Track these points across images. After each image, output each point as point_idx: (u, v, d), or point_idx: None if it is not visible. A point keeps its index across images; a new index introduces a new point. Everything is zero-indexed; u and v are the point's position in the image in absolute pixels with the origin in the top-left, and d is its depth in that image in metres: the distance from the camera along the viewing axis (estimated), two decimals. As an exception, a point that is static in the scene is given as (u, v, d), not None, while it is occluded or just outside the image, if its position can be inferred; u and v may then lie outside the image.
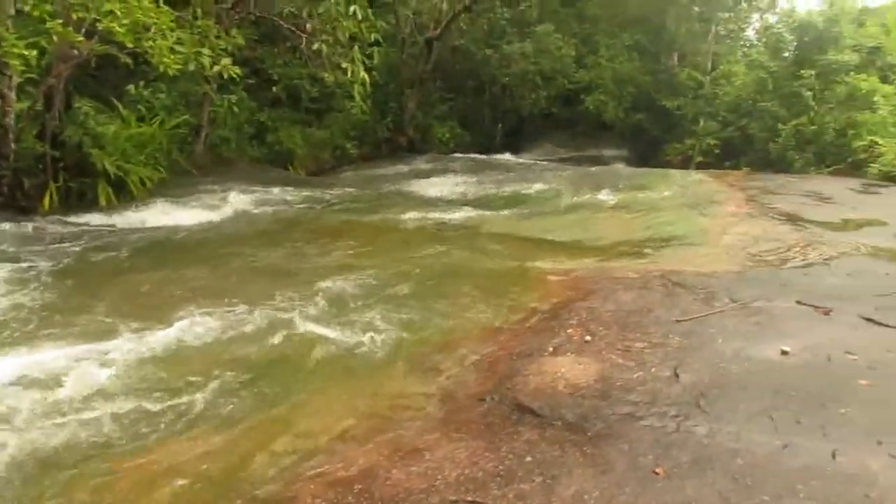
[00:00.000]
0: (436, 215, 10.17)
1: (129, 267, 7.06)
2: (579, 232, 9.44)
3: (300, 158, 15.56)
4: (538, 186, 13.87)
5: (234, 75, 9.01)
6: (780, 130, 18.44)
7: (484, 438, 3.69)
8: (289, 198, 11.09)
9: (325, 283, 6.29)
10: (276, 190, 11.42)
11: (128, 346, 4.87)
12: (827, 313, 5.42)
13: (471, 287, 6.38)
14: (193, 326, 5.21)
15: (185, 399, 4.20)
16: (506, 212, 10.98)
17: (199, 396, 4.23)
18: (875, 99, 16.71)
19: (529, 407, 3.99)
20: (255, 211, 10.08)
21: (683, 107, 24.07)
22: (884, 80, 17.86)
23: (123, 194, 9.88)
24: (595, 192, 12.56)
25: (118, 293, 6.10)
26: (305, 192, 11.61)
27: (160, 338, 5.00)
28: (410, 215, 10.11)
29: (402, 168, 16.82)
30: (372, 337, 5.12)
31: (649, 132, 25.22)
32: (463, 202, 11.96)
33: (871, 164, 15.17)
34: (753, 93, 20.71)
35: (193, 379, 4.44)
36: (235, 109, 13.72)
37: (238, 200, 10.39)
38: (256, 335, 5.15)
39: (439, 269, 6.97)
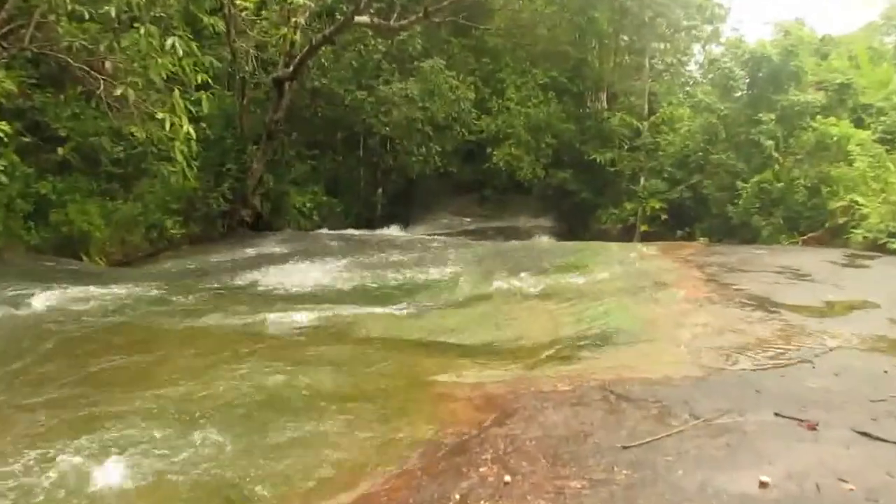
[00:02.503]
0: (290, 317, 10.06)
1: None
2: (491, 331, 9.56)
3: (99, 243, 15.12)
4: (435, 271, 14.10)
5: (1, 132, 8.75)
6: (741, 189, 19.49)
7: None
8: (77, 303, 10.64)
9: (106, 434, 5.90)
10: (57, 291, 10.92)
11: None
12: (813, 428, 5.63)
13: (336, 416, 6.25)
14: None
15: None
16: (390, 307, 11.01)
17: None
18: (850, 148, 17.83)
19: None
20: (25, 324, 9.53)
21: (618, 161, 25.44)
22: (857, 123, 19.19)
23: None
24: (510, 276, 12.89)
25: None
26: (104, 291, 11.21)
27: None
28: (253, 318, 9.96)
29: (246, 252, 16.69)
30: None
31: (577, 194, 26.34)
32: (330, 297, 11.93)
33: (854, 230, 16.11)
34: (703, 142, 21.99)
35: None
36: (2, 179, 13.22)
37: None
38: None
39: (288, 393, 6.80)
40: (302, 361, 7.82)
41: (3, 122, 8.73)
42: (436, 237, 22.42)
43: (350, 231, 22.01)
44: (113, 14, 10.74)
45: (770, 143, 19.27)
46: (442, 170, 25.96)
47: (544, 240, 23.62)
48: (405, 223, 25.54)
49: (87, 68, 11.55)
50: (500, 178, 26.99)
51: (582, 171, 26.33)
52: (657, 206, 23.42)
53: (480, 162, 27.00)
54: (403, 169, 25.33)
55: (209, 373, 7.36)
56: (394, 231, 23.62)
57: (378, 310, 10.89)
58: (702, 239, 19.86)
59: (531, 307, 10.75)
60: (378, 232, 22.85)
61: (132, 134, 11.88)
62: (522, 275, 12.86)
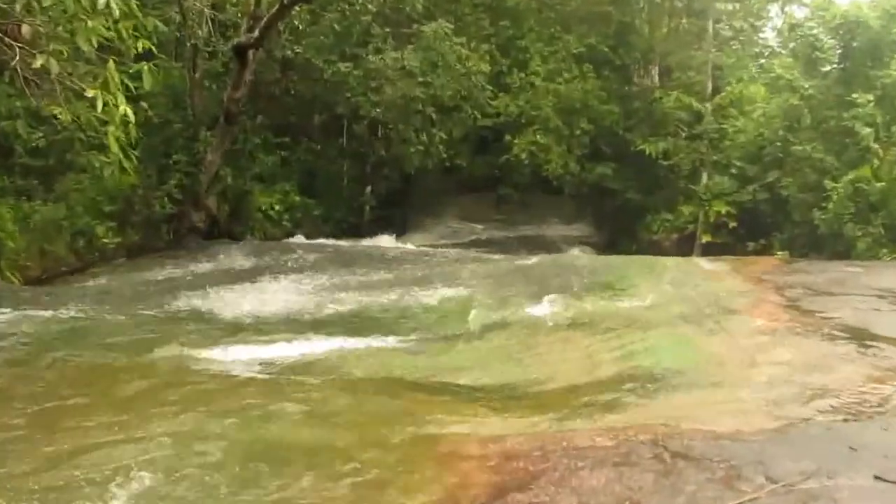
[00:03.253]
0: (255, 352, 10.09)
1: None
2: (511, 370, 9.60)
3: (12, 255, 15.15)
4: (438, 293, 14.13)
5: None
6: (830, 190, 19.39)
7: None
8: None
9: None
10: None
11: None
12: (924, 494, 5.62)
13: (313, 482, 6.24)
14: None
15: None
16: (382, 339, 11.06)
17: None
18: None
19: None
20: None
21: (673, 152, 25.46)
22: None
23: None
24: (535, 299, 12.97)
25: None
26: (12, 318, 11.22)
27: None
28: (208, 353, 9.97)
29: (199, 268, 16.72)
30: None
31: (621, 195, 26.30)
32: (306, 326, 11.98)
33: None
34: (782, 129, 21.91)
35: None
36: None
37: None
38: None
39: (251, 452, 6.76)
40: (269, 410, 7.78)
41: None
42: (439, 249, 22.49)
43: (330, 241, 22.04)
44: (31, -35, 10.81)
45: (868, 131, 19.17)
46: (447, 163, 26.01)
47: (578, 253, 23.66)
48: (400, 231, 25.61)
49: (-1, 34, 11.62)
50: (521, 174, 27.03)
51: (627, 166, 26.39)
52: (723, 210, 23.46)
53: (497, 153, 27.06)
54: (398, 162, 25.38)
55: (145, 427, 7.20)
56: (386, 241, 23.63)
57: (367, 342, 10.93)
58: (780, 253, 19.87)
59: (562, 340, 10.80)
60: (366, 242, 22.90)
61: (55, 116, 11.90)
62: (550, 298, 12.92)
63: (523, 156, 26.18)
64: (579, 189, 27.03)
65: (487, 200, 28.43)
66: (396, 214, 26.29)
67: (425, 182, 26.70)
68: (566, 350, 10.35)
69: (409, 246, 23.18)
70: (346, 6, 23.20)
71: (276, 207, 22.80)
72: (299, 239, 21.92)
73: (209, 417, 7.52)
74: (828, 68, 21.11)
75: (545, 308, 12.46)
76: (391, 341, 11.09)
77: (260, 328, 11.71)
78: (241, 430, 7.23)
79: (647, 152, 25.69)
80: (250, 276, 15.72)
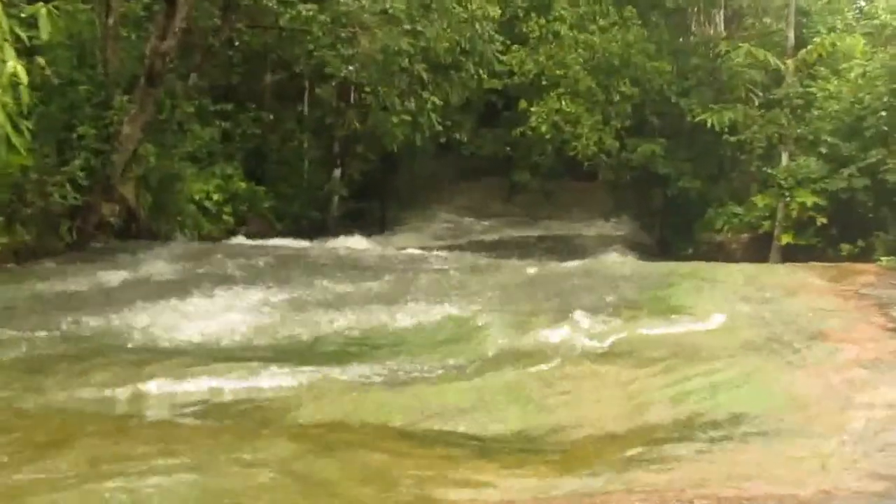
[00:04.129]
0: (182, 388, 10.10)
1: None
2: (527, 414, 9.61)
3: None
4: (430, 311, 14.23)
5: None
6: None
7: None
8: None
9: None
10: None
11: None
12: None
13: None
14: None
15: None
16: (356, 373, 11.03)
17: None
18: None
19: None
20: None
21: (744, 125, 25.48)
22: None
23: None
24: (558, 320, 13.02)
25: None
26: None
27: None
28: (117, 391, 9.94)
29: (110, 277, 16.70)
30: None
31: (674, 181, 26.27)
32: (252, 354, 11.94)
33: None
34: (888, 95, 21.86)
35: None
36: None
37: None
38: None
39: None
40: (199, 466, 7.69)
41: None
42: (432, 253, 22.47)
43: (286, 242, 22.01)
44: None
45: None
46: (443, 139, 26.03)
47: (617, 259, 23.60)
48: (379, 228, 25.76)
49: None
50: (541, 154, 27.09)
51: (682, 143, 26.49)
52: (809, 201, 23.36)
53: (509, 125, 27.20)
54: (377, 137, 25.41)
55: (28, 499, 7.20)
56: (360, 242, 23.64)
57: (333, 376, 10.89)
58: (885, 259, 19.79)
59: (595, 374, 10.79)
60: (333, 244, 22.88)
61: None
62: (580, 319, 12.94)
63: (544, 129, 26.23)
64: (619, 174, 27.14)
65: (496, 189, 28.58)
66: (374, 207, 26.41)
67: (413, 164, 26.83)
68: (600, 388, 10.32)
69: (391, 249, 23.11)
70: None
71: (214, 197, 22.78)
72: (244, 239, 21.90)
73: (118, 478, 7.35)
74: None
75: (572, 332, 12.44)
76: (366, 375, 11.02)
77: (189, 358, 11.57)
78: (159, 497, 7.16)
79: (710, 125, 25.74)
80: (178, 288, 15.61)
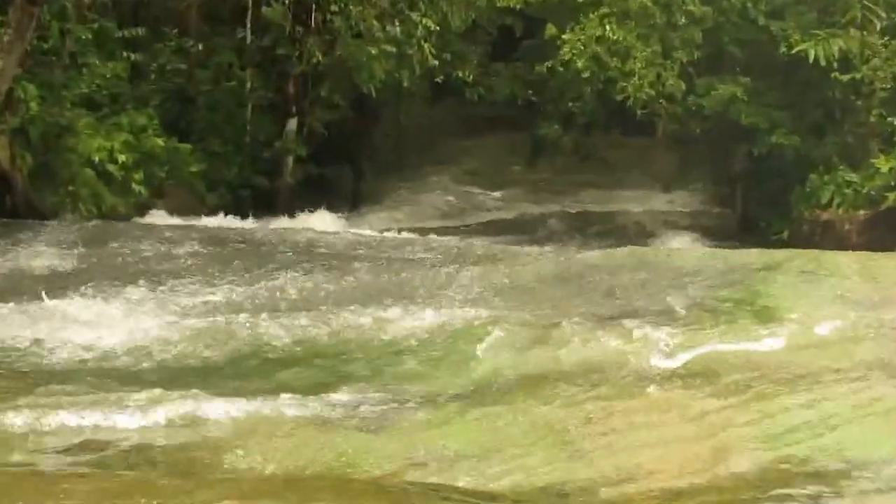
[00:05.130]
0: (74, 423, 10.02)
1: None
2: (556, 459, 9.47)
3: None
4: (424, 318, 14.12)
5: None
6: None
7: None
8: None
9: None
10: None
11: None
12: None
13: None
14: None
15: None
16: (317, 403, 10.97)
17: None
18: None
19: None
20: None
21: (860, 57, 25.41)
22: None
23: None
24: (600, 330, 12.91)
25: None
26: None
27: None
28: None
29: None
30: None
31: (761, 138, 26.05)
32: (172, 376, 11.89)
33: None
34: None
35: None
36: None
37: None
38: None
39: None
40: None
41: None
42: (424, 237, 22.41)
43: (220, 220, 22.00)
44: None
45: None
46: (440, 77, 26.00)
47: (684, 245, 23.58)
48: (351, 202, 25.74)
49: None
50: (577, 99, 27.05)
51: (774, 83, 26.39)
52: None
53: (531, 60, 27.11)
54: (348, 74, 25.36)
55: None
56: (324, 220, 23.67)
57: (287, 408, 10.82)
58: None
59: (654, 406, 10.66)
60: (287, 223, 22.88)
61: None
62: (632, 329, 12.83)
63: (580, 64, 26.08)
64: (685, 127, 27.04)
65: (513, 148, 28.59)
66: (344, 173, 26.38)
67: (398, 113, 26.77)
68: (660, 425, 10.19)
69: (368, 232, 23.02)
70: None
71: (121, 158, 22.62)
72: (162, 217, 21.86)
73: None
74: None
75: (620, 347, 12.35)
76: (331, 405, 10.97)
77: (77, 382, 11.55)
78: None
79: (812, 57, 25.65)
80: (66, 286, 15.58)
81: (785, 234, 24.45)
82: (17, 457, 9.45)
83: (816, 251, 19.07)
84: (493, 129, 27.86)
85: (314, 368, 12.38)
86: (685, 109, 26.34)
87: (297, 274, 16.91)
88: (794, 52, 25.28)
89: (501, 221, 26.08)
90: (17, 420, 9.89)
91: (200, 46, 24.92)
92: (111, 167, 22.47)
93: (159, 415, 10.28)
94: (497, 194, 27.32)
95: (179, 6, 24.86)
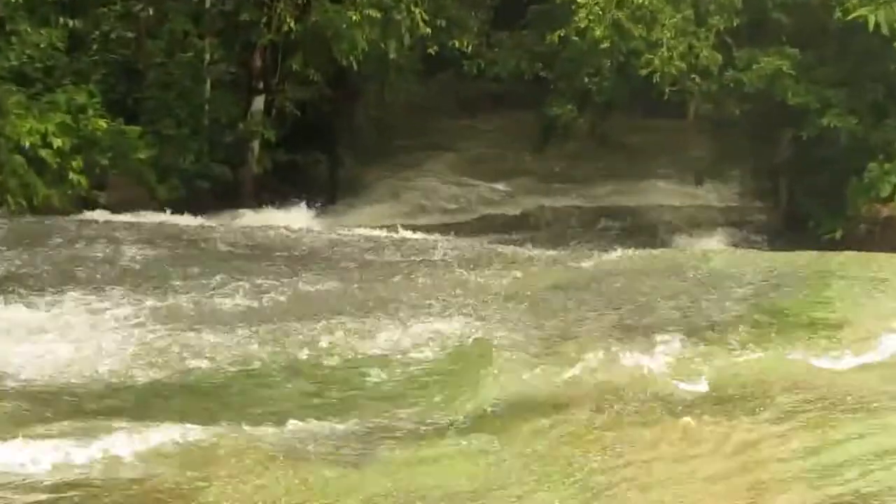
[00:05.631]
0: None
1: None
2: (574, 500, 9.44)
3: None
4: (413, 333, 14.10)
5: None
6: None
7: None
8: None
9: None
10: None
11: None
12: None
13: None
14: None
15: None
16: (294, 432, 10.94)
17: None
18: None
19: None
20: None
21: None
22: None
23: None
24: (622, 346, 12.84)
25: None
26: None
27: None
28: None
29: None
30: None
31: (811, 120, 26.07)
32: (116, 402, 11.87)
33: None
34: None
35: None
36: None
37: None
38: None
39: None
40: None
41: None
42: (415, 236, 22.44)
43: (173, 217, 22.03)
44: None
45: None
46: (433, 48, 26.03)
47: (721, 245, 23.59)
48: (328, 194, 25.75)
49: None
50: (594, 73, 27.08)
51: (826, 56, 26.41)
52: None
53: (540, 27, 27.13)
54: (324, 44, 25.37)
55: None
56: (296, 217, 23.72)
57: (258, 439, 10.79)
58: None
59: (687, 435, 10.64)
60: (252, 219, 22.92)
61: None
62: (661, 344, 12.82)
63: (598, 32, 26.08)
64: (721, 106, 27.06)
65: (520, 131, 28.59)
66: (319, 161, 26.33)
67: (383, 90, 26.79)
68: (692, 456, 10.18)
69: (348, 231, 23.03)
70: None
71: (56, 143, 22.66)
72: (105, 213, 21.86)
73: None
74: None
75: (647, 365, 12.32)
76: (310, 436, 10.95)
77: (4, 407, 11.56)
78: None
79: (872, 25, 25.65)
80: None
81: (838, 234, 24.44)
82: None
83: (877, 254, 19.06)
84: (495, 110, 27.98)
85: (282, 391, 12.35)
86: (721, 86, 26.32)
87: (261, 280, 16.89)
88: (850, 17, 25.25)
89: (505, 217, 26.14)
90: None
91: (151, 11, 24.97)
92: (45, 153, 22.48)
93: (103, 446, 10.23)
94: (500, 186, 27.44)
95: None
